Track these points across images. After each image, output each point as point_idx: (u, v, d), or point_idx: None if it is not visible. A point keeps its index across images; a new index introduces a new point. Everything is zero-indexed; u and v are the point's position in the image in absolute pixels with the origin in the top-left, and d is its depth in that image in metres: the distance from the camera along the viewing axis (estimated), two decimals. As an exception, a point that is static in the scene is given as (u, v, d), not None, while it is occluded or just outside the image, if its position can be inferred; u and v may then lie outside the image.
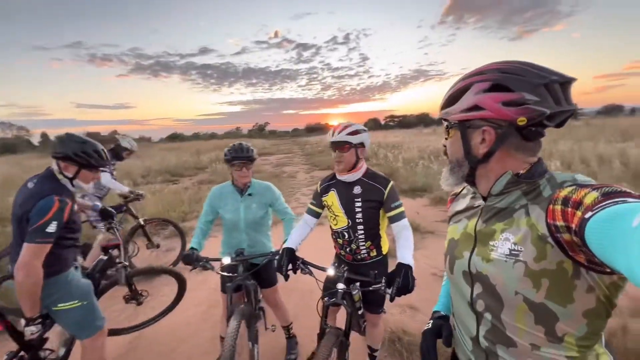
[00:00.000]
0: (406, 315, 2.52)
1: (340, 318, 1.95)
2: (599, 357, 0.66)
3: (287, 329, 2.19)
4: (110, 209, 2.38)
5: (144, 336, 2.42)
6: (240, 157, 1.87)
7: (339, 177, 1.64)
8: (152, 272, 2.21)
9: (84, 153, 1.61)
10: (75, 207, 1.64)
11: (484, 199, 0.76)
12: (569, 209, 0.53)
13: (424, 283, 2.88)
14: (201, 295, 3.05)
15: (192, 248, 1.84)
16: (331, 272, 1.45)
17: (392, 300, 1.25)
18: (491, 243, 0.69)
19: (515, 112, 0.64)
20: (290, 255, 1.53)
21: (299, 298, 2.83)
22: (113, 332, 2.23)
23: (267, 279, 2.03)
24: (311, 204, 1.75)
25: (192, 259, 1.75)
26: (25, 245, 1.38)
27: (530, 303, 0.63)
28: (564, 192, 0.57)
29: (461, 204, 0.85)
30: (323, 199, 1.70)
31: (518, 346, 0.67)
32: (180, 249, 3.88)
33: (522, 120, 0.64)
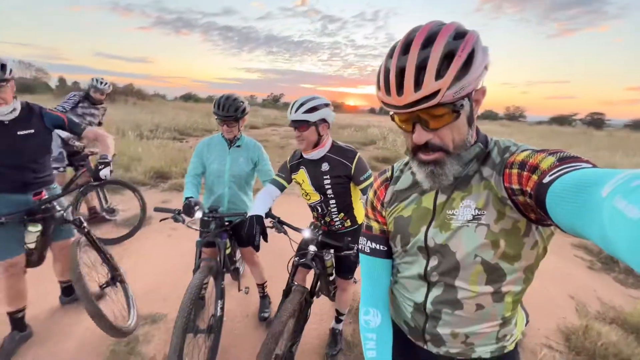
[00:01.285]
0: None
1: (310, 280, 2.03)
2: (519, 313, 0.77)
3: (261, 287, 2.29)
4: None
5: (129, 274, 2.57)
6: (221, 116, 1.81)
7: (304, 155, 1.60)
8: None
9: None
10: None
11: None
12: (525, 173, 0.54)
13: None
14: (188, 245, 3.18)
15: (188, 197, 1.79)
16: (306, 234, 1.48)
17: None
18: (449, 212, 0.68)
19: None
20: (260, 224, 1.48)
21: (274, 259, 2.93)
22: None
23: (246, 238, 2.09)
24: (278, 175, 1.68)
25: (191, 207, 1.71)
26: None
27: (486, 264, 0.65)
28: (520, 157, 0.58)
29: (402, 183, 0.80)
30: (293, 176, 1.68)
31: (464, 308, 0.69)
32: (139, 219, 3.31)
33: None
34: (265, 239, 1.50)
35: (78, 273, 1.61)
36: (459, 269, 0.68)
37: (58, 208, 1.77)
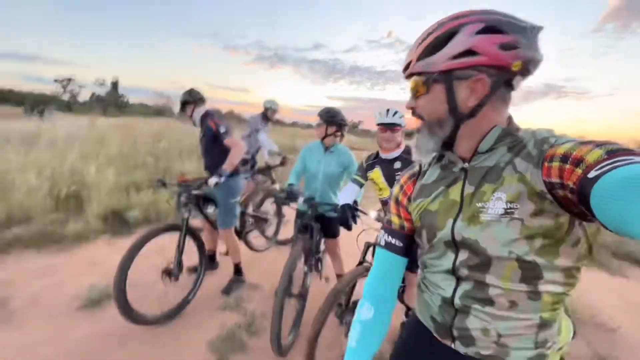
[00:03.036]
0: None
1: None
2: (562, 321, 0.68)
3: (340, 277, 2.61)
4: None
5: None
6: (321, 116, 2.23)
7: (382, 155, 1.90)
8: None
9: None
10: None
11: (463, 160, 0.69)
12: (567, 166, 0.49)
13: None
14: (283, 232, 3.74)
15: (290, 184, 2.28)
16: (373, 215, 1.80)
17: None
18: (479, 205, 0.62)
19: (511, 56, 0.58)
20: (351, 209, 1.82)
21: (352, 255, 3.21)
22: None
23: (330, 231, 2.44)
24: (356, 174, 2.04)
25: (294, 191, 2.20)
26: None
27: (521, 260, 0.58)
28: (562, 149, 0.52)
29: (430, 177, 0.76)
30: (368, 174, 1.99)
31: (496, 304, 0.63)
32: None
33: (517, 65, 0.59)
34: (355, 221, 1.85)
35: None
36: (490, 264, 0.61)
37: (185, 195, 2.24)
